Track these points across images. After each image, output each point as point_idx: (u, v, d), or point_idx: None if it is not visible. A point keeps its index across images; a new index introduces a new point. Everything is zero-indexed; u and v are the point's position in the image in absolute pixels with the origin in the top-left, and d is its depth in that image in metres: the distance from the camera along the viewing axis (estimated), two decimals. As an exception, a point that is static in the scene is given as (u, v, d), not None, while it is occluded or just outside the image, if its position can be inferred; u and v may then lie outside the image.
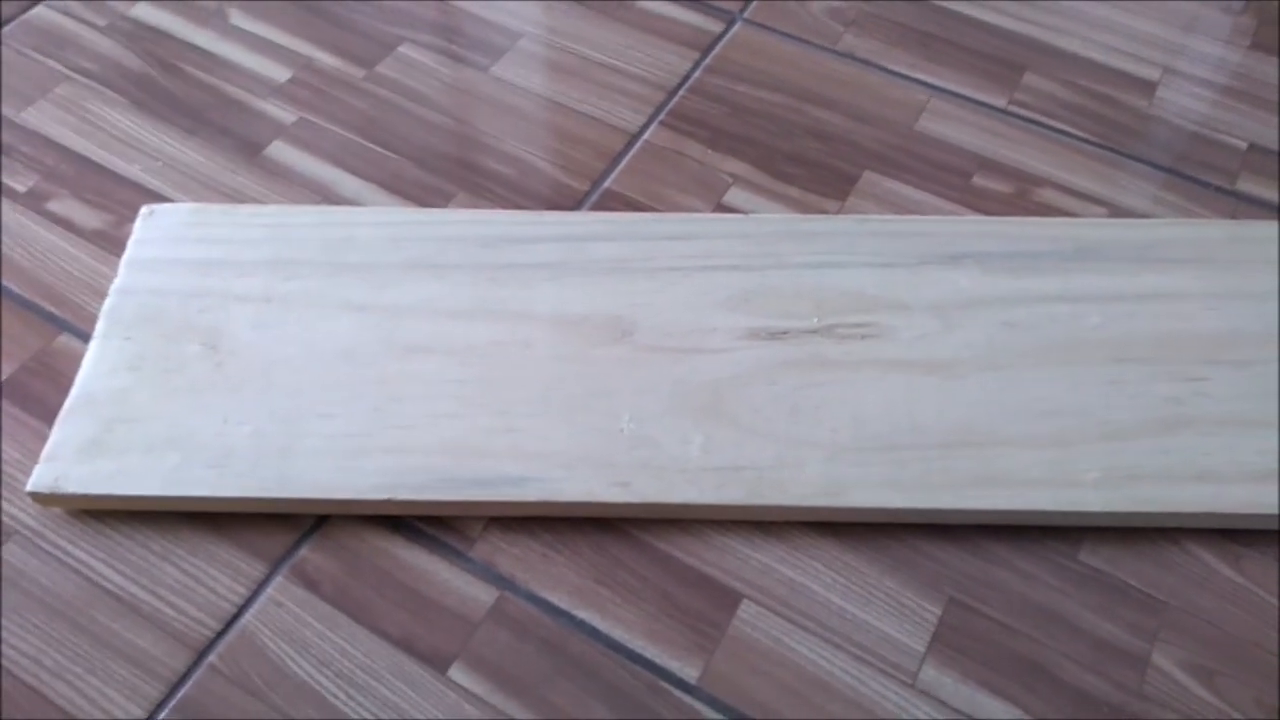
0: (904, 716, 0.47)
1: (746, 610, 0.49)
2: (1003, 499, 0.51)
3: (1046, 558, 0.51)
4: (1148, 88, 0.72)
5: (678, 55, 0.74)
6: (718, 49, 0.74)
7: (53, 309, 0.60)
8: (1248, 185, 0.67)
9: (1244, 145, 0.69)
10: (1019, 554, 0.51)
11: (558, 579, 0.50)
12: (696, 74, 0.73)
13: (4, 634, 0.48)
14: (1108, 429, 0.53)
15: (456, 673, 0.48)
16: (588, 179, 0.66)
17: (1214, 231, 0.62)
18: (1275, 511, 0.51)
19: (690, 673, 0.48)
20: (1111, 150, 0.68)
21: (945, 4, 0.77)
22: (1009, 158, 0.68)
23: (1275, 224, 0.62)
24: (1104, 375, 0.55)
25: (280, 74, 0.72)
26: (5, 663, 0.47)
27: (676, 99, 0.71)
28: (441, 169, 0.67)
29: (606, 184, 0.66)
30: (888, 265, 0.60)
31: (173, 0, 0.76)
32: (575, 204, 0.65)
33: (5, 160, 0.66)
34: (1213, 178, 0.67)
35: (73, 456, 0.52)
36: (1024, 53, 0.74)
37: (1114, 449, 0.53)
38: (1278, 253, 0.60)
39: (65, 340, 0.58)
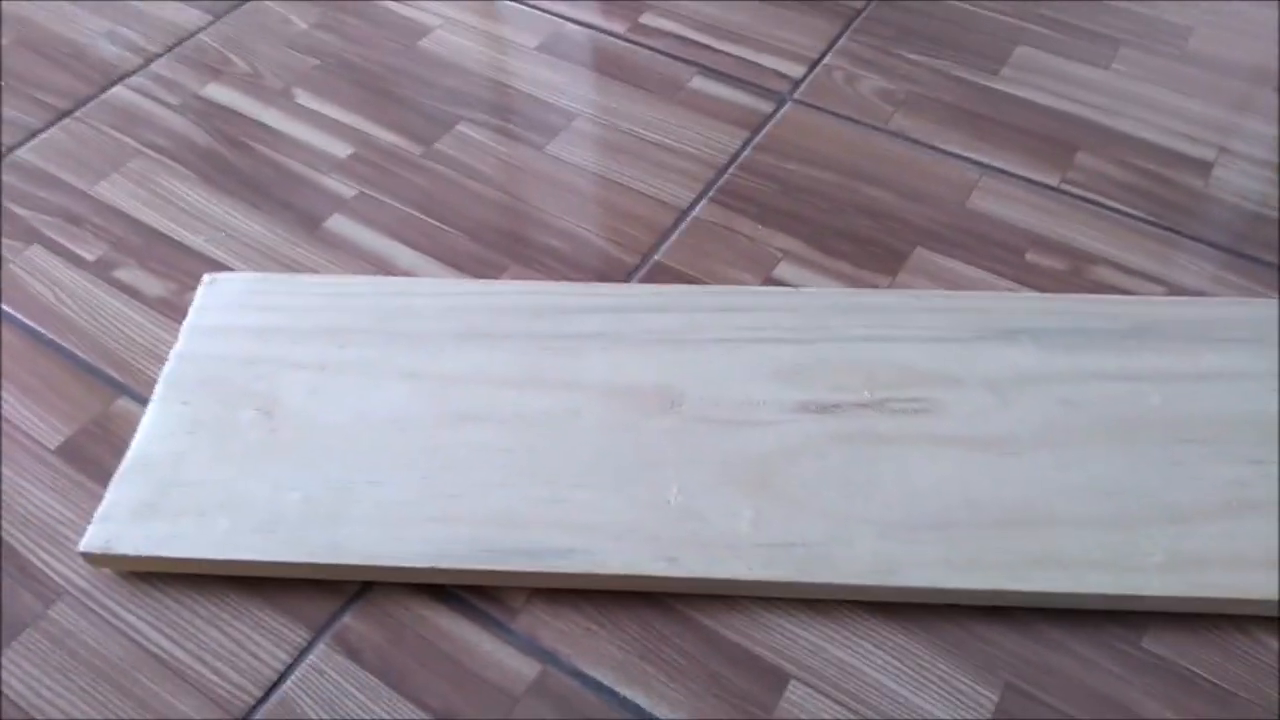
0: (960, 808, 0.45)
1: (795, 691, 0.48)
2: (1062, 581, 0.49)
3: (1108, 644, 0.49)
4: (1203, 167, 0.72)
5: (728, 134, 0.75)
6: (768, 128, 0.75)
7: (113, 373, 0.61)
8: (1309, 265, 0.66)
9: (1304, 225, 0.68)
10: (1078, 639, 0.49)
11: (601, 654, 0.50)
12: (747, 152, 0.74)
13: (49, 693, 0.48)
14: (1170, 511, 0.52)
15: (497, 748, 0.47)
16: (638, 253, 0.67)
17: (1272, 311, 0.61)
18: (1351, 600, 0.48)
19: (737, 755, 0.46)
20: (1168, 229, 0.68)
21: (994, 85, 0.78)
22: (1063, 235, 0.67)
23: (1339, 304, 0.61)
24: (1165, 456, 0.54)
25: (341, 150, 0.74)
26: (49, 724, 0.47)
27: (727, 176, 0.72)
28: (496, 243, 0.68)
29: (657, 258, 0.67)
30: (941, 340, 0.59)
31: (241, 80, 0.79)
32: (626, 277, 0.66)
33: (77, 230, 0.69)
34: (1271, 257, 0.66)
35: (126, 518, 0.52)
36: (1076, 132, 0.74)
37: (1177, 532, 0.51)
38: (1344, 333, 0.59)
39: (124, 404, 0.60)
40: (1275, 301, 0.63)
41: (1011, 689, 0.48)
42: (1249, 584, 0.49)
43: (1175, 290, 0.64)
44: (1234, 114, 0.75)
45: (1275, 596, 0.49)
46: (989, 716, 0.47)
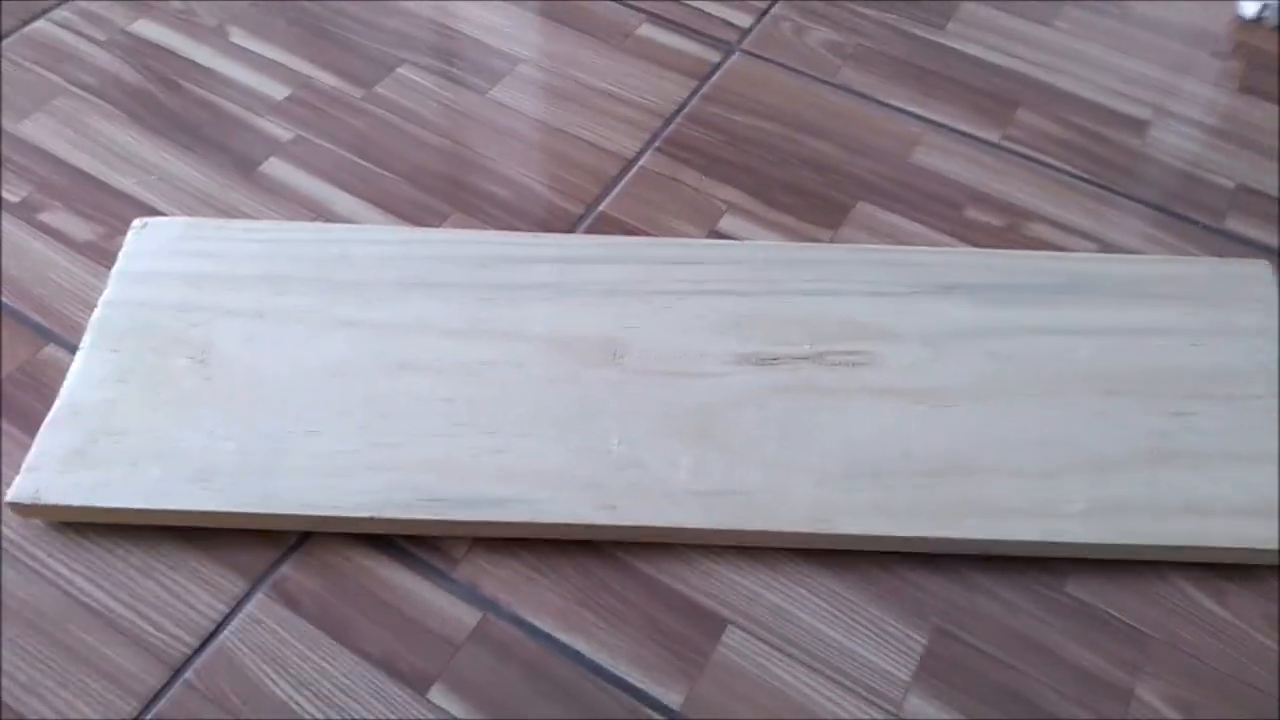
0: (888, 747, 0.46)
1: (732, 636, 0.49)
2: (990, 528, 0.51)
3: (1032, 589, 0.51)
4: (1140, 126, 0.73)
5: (675, 83, 0.74)
6: (715, 78, 0.75)
7: (40, 319, 0.59)
8: (1235, 224, 0.67)
9: (1232, 185, 0.70)
10: (1005, 584, 0.51)
11: (542, 602, 0.50)
12: (693, 102, 0.73)
13: (-21, 645, 0.48)
14: (1095, 460, 0.53)
15: (437, 694, 0.47)
16: (583, 203, 0.67)
17: (1202, 269, 0.63)
18: (1260, 547, 0.51)
19: (674, 699, 0.47)
20: (1102, 187, 0.69)
21: (941, 40, 0.78)
22: (1001, 191, 0.68)
23: (1262, 262, 0.62)
24: (1092, 407, 0.55)
25: (278, 92, 0.72)
26: (-21, 675, 0.47)
27: (673, 126, 0.71)
28: (437, 189, 0.67)
29: (601, 208, 0.66)
30: (880, 294, 0.60)
31: (173, 17, 0.77)
32: (570, 227, 0.65)
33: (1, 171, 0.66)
34: (1201, 216, 0.68)
35: (55, 467, 0.51)
36: (1018, 89, 0.75)
37: (1101, 480, 0.53)
38: (1265, 290, 0.61)
39: (52, 351, 0.58)
40: (1203, 259, 0.65)
41: (939, 632, 0.49)
42: (1169, 530, 0.51)
43: (1108, 247, 0.66)
44: (1172, 75, 0.77)
45: (1192, 543, 0.51)
46: (917, 658, 0.49)
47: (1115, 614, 0.50)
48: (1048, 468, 0.53)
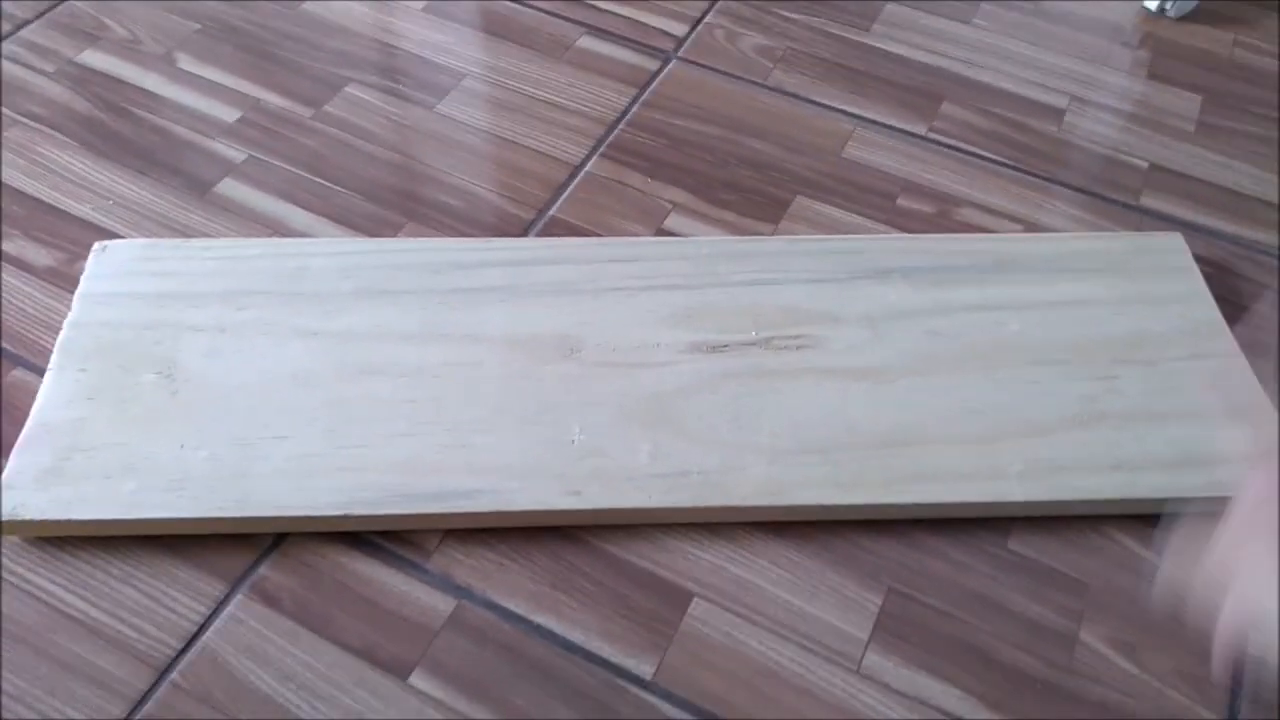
0: (850, 700, 0.49)
1: (697, 608, 0.51)
2: (935, 493, 0.54)
3: (978, 547, 0.54)
4: (1056, 114, 0.77)
5: (616, 91, 0.77)
6: (654, 85, 0.78)
7: (5, 344, 0.60)
8: (1150, 201, 0.72)
9: (1145, 165, 0.74)
10: (952, 545, 0.54)
11: (514, 586, 0.52)
12: (635, 109, 0.76)
13: (-38, 661, 0.48)
14: (1029, 426, 0.57)
15: (418, 679, 0.49)
16: (533, 208, 0.69)
17: (1120, 243, 0.67)
18: (1185, 495, 0.54)
19: (646, 669, 0.49)
20: (1025, 172, 0.73)
21: (866, 40, 0.82)
22: (930, 180, 0.72)
23: (1175, 234, 0.67)
24: (1024, 376, 0.59)
25: (229, 114, 0.74)
26: (-36, 689, 0.48)
27: (616, 132, 0.74)
28: (390, 201, 0.69)
29: (551, 212, 0.69)
30: (820, 281, 0.63)
31: (120, 46, 0.78)
32: (521, 232, 0.68)
33: (-46, 202, 0.67)
34: (1118, 195, 0.72)
35: (30, 485, 0.52)
36: (941, 84, 0.79)
37: (1035, 444, 0.56)
38: (1178, 260, 0.65)
39: (19, 375, 0.59)
40: (1121, 234, 0.69)
41: (894, 592, 0.52)
42: (1100, 486, 0.54)
43: (1033, 228, 0.70)
44: (1085, 65, 0.81)
45: (1123, 495, 0.54)
46: (874, 618, 0.51)
47: (1056, 566, 0.54)
48: (986, 434, 0.56)
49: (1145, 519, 0.55)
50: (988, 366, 0.59)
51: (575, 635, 0.50)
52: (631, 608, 0.51)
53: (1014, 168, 0.73)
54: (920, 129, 0.75)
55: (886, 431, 0.56)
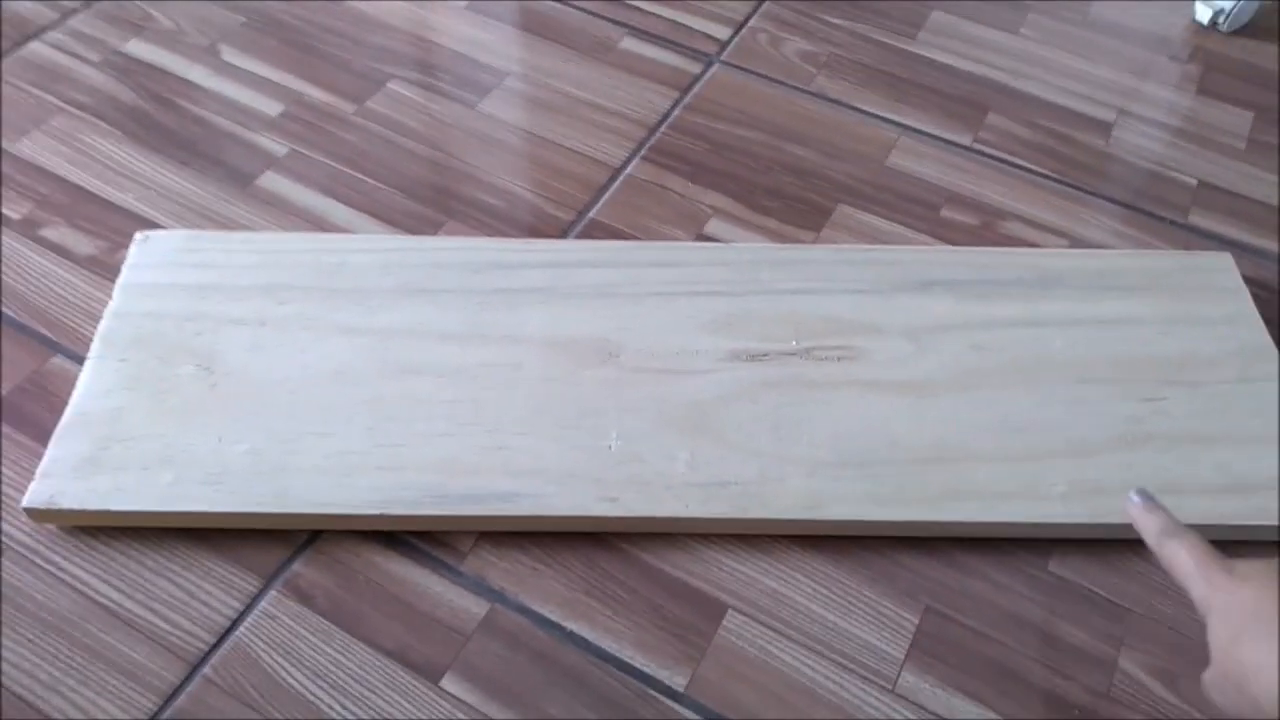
0: (885, 720, 0.48)
1: (732, 620, 0.51)
2: (975, 511, 0.53)
3: (1018, 568, 0.53)
4: (1104, 128, 0.76)
5: (659, 94, 0.77)
6: (697, 89, 0.77)
7: (46, 332, 0.61)
8: (1198, 219, 0.71)
9: (1194, 182, 0.73)
10: (991, 565, 0.53)
11: (548, 592, 0.52)
12: (677, 112, 0.75)
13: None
14: (1073, 445, 0.56)
15: (449, 683, 0.49)
16: (573, 210, 0.69)
17: (1167, 262, 0.66)
18: (1230, 523, 0.53)
19: (678, 681, 0.49)
20: (1072, 186, 0.72)
21: (911, 48, 0.81)
22: (974, 192, 0.71)
23: (1224, 254, 0.65)
24: (1068, 395, 0.58)
25: (272, 108, 0.74)
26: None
27: (658, 135, 0.74)
28: (431, 200, 0.69)
29: (591, 214, 0.69)
30: (862, 292, 0.62)
31: (165, 36, 0.78)
32: (561, 234, 0.67)
33: (1, 189, 0.67)
34: (1166, 212, 0.71)
35: (68, 474, 0.52)
36: (988, 94, 0.78)
37: (1079, 464, 0.55)
38: (1227, 280, 0.64)
39: (59, 362, 0.59)
40: (1169, 252, 0.68)
41: (931, 611, 0.52)
42: (1143, 510, 0.53)
43: (1078, 243, 0.69)
44: (1133, 78, 0.80)
45: (1166, 520, 0.53)
46: (910, 636, 0.51)
47: (1097, 590, 0.53)
48: (1029, 453, 0.55)
49: (1190, 544, 0.54)
50: (1031, 383, 0.58)
51: (608, 644, 0.50)
52: (665, 618, 0.51)
53: (1060, 181, 0.72)
54: (965, 139, 0.75)
55: (928, 447, 0.55)
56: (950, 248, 0.67)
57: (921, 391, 0.58)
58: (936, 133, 0.75)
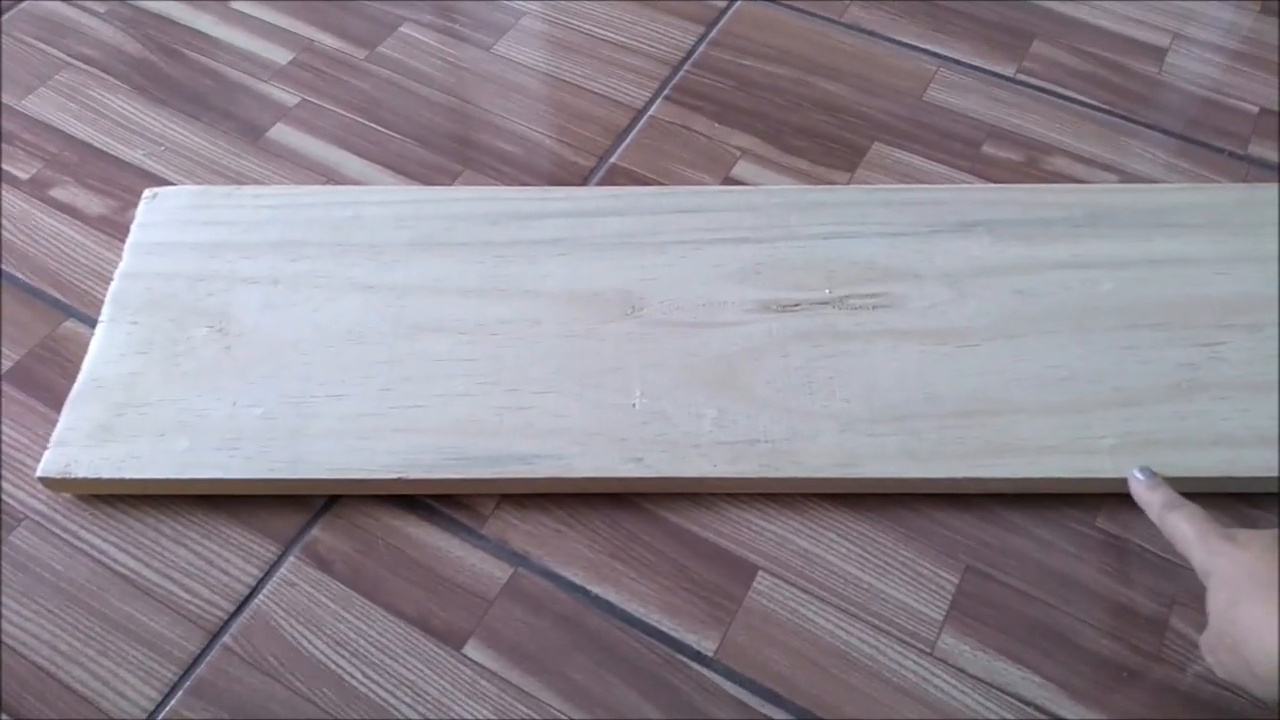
0: (923, 685, 0.46)
1: (763, 582, 0.49)
2: (1018, 467, 0.51)
3: (1063, 525, 0.51)
4: (1157, 54, 0.71)
5: (682, 30, 0.73)
6: (722, 23, 0.73)
7: (57, 295, 0.59)
8: (1259, 149, 0.66)
9: (1255, 110, 0.68)
10: (1035, 521, 0.51)
11: (572, 554, 0.50)
12: (701, 48, 0.72)
13: (17, 619, 0.48)
14: (1122, 395, 0.53)
15: (472, 649, 0.47)
16: (594, 155, 0.66)
17: (1225, 196, 0.62)
18: (1293, 474, 0.50)
19: (708, 645, 0.47)
20: (1122, 117, 0.68)
21: (950, -27, 0.77)
22: (1018, 126, 0.67)
23: (1288, 187, 0.61)
24: (1117, 341, 0.55)
25: (281, 56, 0.71)
26: (19, 647, 0.47)
27: (682, 74, 0.70)
28: (446, 148, 0.66)
29: (613, 160, 0.66)
30: (899, 235, 0.59)
31: (171, -16, 0.76)
32: (581, 180, 0.65)
33: (7, 148, 0.66)
34: (1224, 143, 0.67)
35: (82, 442, 0.51)
36: (1032, 21, 0.73)
37: (1129, 415, 0.52)
38: (1292, 216, 0.60)
39: (71, 326, 0.58)
40: (1225, 186, 0.63)
41: (971, 571, 0.49)
42: (1197, 462, 0.51)
43: (1129, 178, 0.65)
44: (1188, -2, 0.75)
45: (1221, 474, 0.50)
46: (949, 597, 0.49)
47: (1147, 547, 0.50)
48: (1076, 404, 0.53)
49: (1245, 498, 0.51)
50: (1079, 330, 0.55)
51: (634, 608, 0.49)
52: (693, 580, 0.49)
53: (1109, 112, 0.68)
54: (1008, 70, 0.70)
55: (968, 399, 0.53)
56: (992, 186, 0.63)
57: (961, 340, 0.55)
58: (977, 64, 0.71)
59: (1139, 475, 0.48)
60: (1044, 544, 0.50)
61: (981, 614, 0.48)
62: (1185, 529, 0.44)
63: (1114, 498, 0.51)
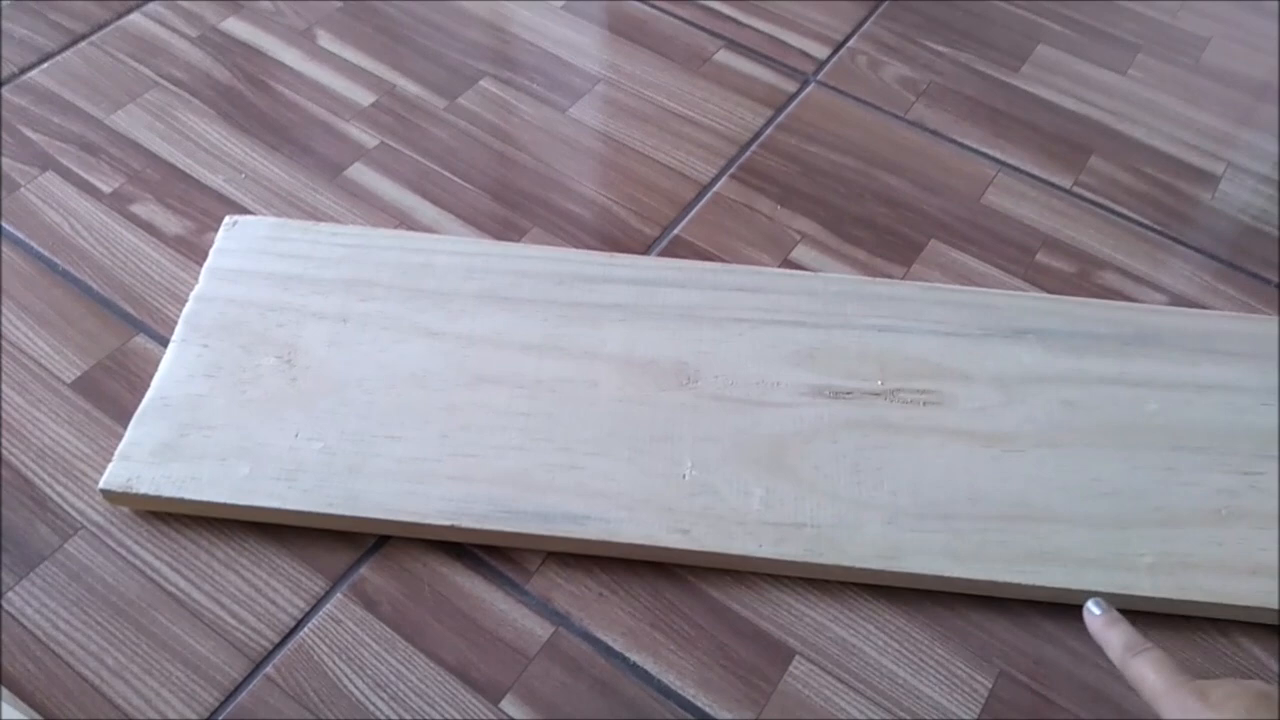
0: (951, 786, 0.47)
1: (799, 667, 0.50)
2: (1058, 577, 0.51)
3: (1097, 639, 0.52)
4: (1210, 180, 0.73)
5: (752, 111, 0.75)
6: (791, 108, 0.76)
7: (130, 309, 0.61)
8: (1305, 284, 0.68)
9: (1302, 244, 0.70)
10: (1070, 632, 0.52)
11: (613, 619, 0.51)
12: (769, 131, 0.74)
13: (66, 627, 0.49)
14: (1163, 515, 0.54)
15: (509, 704, 0.48)
16: (658, 225, 0.68)
17: (1271, 328, 0.63)
18: (1327, 612, 0.51)
19: (740, 724, 0.48)
20: (1174, 240, 0.70)
21: (1014, 82, 0.79)
22: (1073, 238, 0.69)
23: (1333, 325, 0.63)
24: (1161, 461, 0.56)
25: (364, 98, 0.73)
26: (67, 656, 0.48)
27: (749, 154, 0.72)
28: (516, 203, 0.68)
29: (676, 231, 0.67)
30: (952, 334, 0.61)
31: (263, 17, 0.78)
32: (644, 249, 0.66)
33: (92, 160, 0.68)
34: (1270, 274, 0.68)
35: (146, 458, 0.53)
36: (1091, 135, 0.76)
37: (1169, 535, 0.53)
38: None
39: (141, 341, 0.59)
40: (1274, 318, 0.65)
41: (1005, 677, 0.50)
42: (1234, 590, 0.51)
43: (1177, 299, 0.66)
44: (1245, 129, 0.77)
45: (1258, 604, 0.51)
46: (982, 701, 0.49)
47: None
48: (1116, 519, 0.54)
49: (1278, 630, 0.52)
50: (1123, 446, 0.56)
51: (671, 679, 0.49)
52: (730, 658, 0.50)
53: (1162, 233, 0.70)
54: (1066, 181, 0.72)
55: (1011, 503, 0.54)
56: (1045, 295, 0.65)
57: (1008, 444, 0.56)
58: (1036, 172, 0.73)
59: (1094, 609, 0.45)
60: (1078, 656, 0.51)
61: (1011, 720, 0.49)
62: (1153, 680, 0.41)
63: (1149, 615, 0.52)
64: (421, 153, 0.70)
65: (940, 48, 0.81)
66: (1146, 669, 0.41)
